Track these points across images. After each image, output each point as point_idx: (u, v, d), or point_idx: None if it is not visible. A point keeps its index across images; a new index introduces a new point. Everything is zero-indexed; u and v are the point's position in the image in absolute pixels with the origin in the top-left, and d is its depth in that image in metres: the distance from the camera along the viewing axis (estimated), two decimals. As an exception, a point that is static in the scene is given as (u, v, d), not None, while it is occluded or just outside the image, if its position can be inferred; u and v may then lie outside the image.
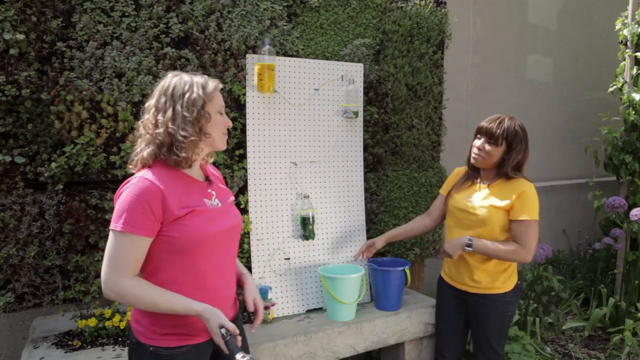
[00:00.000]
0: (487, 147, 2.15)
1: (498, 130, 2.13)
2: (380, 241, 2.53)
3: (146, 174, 1.44)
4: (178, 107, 1.46)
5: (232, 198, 1.68)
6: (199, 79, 1.52)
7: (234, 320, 1.60)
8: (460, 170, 2.41)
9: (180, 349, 1.47)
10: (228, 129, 1.60)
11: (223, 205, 1.59)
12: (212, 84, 1.53)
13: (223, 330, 1.38)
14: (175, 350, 1.46)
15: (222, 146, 1.57)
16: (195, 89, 1.49)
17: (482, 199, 2.20)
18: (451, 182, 2.42)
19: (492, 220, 2.16)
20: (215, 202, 1.56)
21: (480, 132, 2.19)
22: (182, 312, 1.41)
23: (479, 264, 2.21)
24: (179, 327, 1.47)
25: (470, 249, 2.16)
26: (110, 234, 1.41)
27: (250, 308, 1.62)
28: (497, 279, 2.22)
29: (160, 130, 1.45)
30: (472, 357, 2.38)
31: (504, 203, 2.15)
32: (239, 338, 1.41)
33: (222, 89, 1.63)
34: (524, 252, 2.12)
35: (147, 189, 1.39)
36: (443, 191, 2.46)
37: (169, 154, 1.46)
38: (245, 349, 1.58)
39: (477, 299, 2.24)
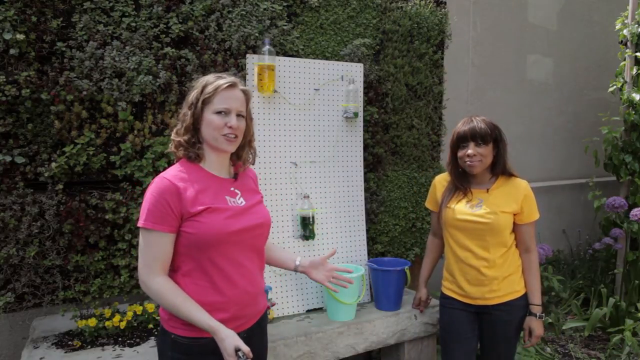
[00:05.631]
0: (480, 149, 2.07)
1: (485, 129, 2.08)
2: (424, 292, 2.50)
3: (166, 172, 1.52)
4: (184, 108, 1.55)
5: (260, 197, 1.69)
6: (210, 78, 1.54)
7: (258, 322, 1.64)
8: (441, 179, 2.32)
9: (198, 340, 1.49)
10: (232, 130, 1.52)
11: (247, 204, 1.59)
12: (216, 83, 1.51)
13: (240, 353, 1.39)
14: (194, 341, 1.49)
15: (222, 147, 1.54)
16: (196, 90, 1.53)
17: (488, 205, 2.11)
18: (436, 194, 2.30)
19: (503, 226, 2.10)
20: (239, 200, 1.58)
21: (465, 137, 2.09)
22: (198, 324, 1.43)
23: (496, 274, 2.12)
24: None
25: (541, 314, 2.15)
26: (140, 233, 1.49)
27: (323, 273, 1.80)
28: (514, 283, 2.15)
29: (173, 131, 1.58)
30: None
31: (511, 207, 2.11)
32: None
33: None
34: (536, 253, 2.20)
35: (164, 187, 1.46)
36: (432, 206, 2.35)
37: (184, 152, 1.55)
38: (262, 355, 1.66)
39: (499, 308, 2.14)
